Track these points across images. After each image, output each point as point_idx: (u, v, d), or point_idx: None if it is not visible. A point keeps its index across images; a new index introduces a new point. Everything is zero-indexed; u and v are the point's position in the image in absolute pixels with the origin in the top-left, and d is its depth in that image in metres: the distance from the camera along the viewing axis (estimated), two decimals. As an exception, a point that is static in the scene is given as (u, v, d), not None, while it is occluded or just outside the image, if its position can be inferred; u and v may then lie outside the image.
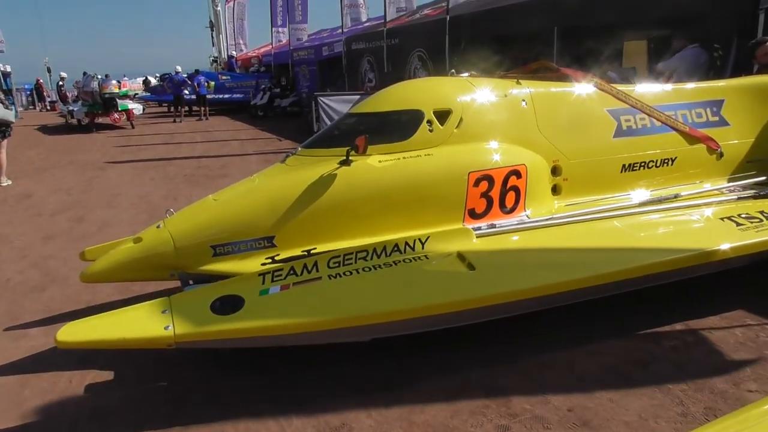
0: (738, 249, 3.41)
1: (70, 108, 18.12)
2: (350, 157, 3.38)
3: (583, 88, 4.22)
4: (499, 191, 3.66)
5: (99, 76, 17.41)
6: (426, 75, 12.40)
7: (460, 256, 3.20)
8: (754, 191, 4.13)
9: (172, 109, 20.74)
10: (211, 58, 33.63)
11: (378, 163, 3.45)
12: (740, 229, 3.56)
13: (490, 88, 3.94)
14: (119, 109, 17.52)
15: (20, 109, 25.69)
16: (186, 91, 20.11)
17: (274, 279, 3.01)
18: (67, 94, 25.48)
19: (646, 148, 4.23)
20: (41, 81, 29.72)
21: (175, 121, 19.32)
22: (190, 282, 3.33)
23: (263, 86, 21.01)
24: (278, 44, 23.48)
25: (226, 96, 22.22)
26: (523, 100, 3.96)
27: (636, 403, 2.75)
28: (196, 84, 19.62)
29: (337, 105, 11.44)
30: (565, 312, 3.30)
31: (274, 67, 23.70)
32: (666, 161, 4.30)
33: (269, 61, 24.42)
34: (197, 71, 20.51)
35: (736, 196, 4.03)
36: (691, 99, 4.49)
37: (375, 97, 3.91)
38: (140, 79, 34.46)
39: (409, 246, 3.23)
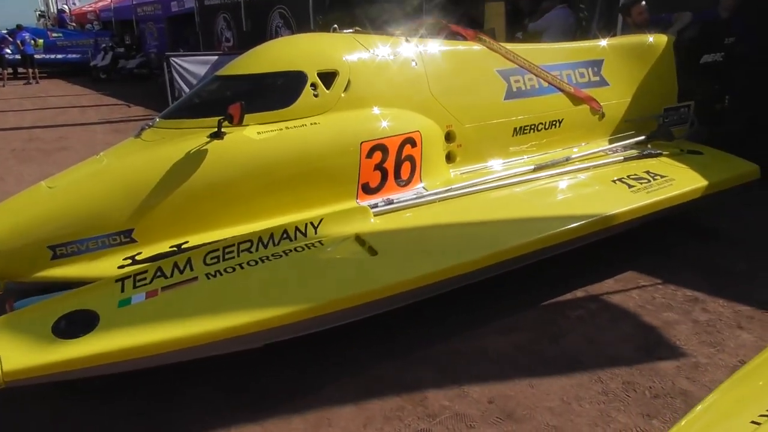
0: (633, 211, 3.38)
1: None
2: (223, 129, 2.82)
3: (473, 47, 3.95)
4: (394, 162, 3.30)
5: None
6: (290, 34, 11.65)
7: (359, 239, 2.82)
8: (637, 151, 4.17)
9: (-8, 71, 17.91)
10: (38, 13, 29.63)
11: (257, 135, 2.92)
12: (632, 191, 3.53)
13: (378, 46, 3.52)
14: None
15: None
16: (8, 50, 17.44)
17: (137, 284, 2.43)
18: None
19: (536, 110, 4.08)
20: None
21: (-3, 86, 16.70)
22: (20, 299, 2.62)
23: (104, 45, 18.82)
24: (118, -2, 21.14)
25: (60, 56, 19.63)
26: (414, 60, 3.60)
27: (555, 386, 2.59)
28: (19, 42, 17.04)
29: (192, 67, 10.38)
30: (469, 287, 3.06)
31: (115, 23, 21.34)
32: (554, 123, 4.20)
33: (109, 17, 21.94)
34: (20, 27, 17.81)
35: (622, 157, 4.03)
36: (575, 59, 4.41)
37: (247, 57, 3.33)
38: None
39: (300, 231, 2.79)
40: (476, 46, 3.96)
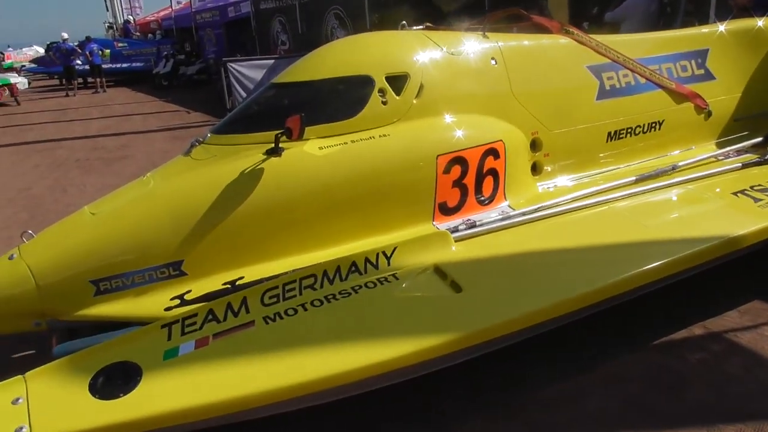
0: (765, 231, 2.81)
1: (-63, 85, 15.68)
2: (281, 145, 2.46)
3: (559, 40, 3.46)
4: (475, 177, 2.87)
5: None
6: (346, 35, 11.35)
7: (439, 271, 2.40)
8: (756, 155, 3.56)
9: (63, 81, 18.51)
10: (107, 24, 30.66)
11: (318, 151, 2.56)
12: (759, 206, 2.96)
13: (453, 43, 3.10)
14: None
15: None
16: (78, 61, 18.00)
17: (186, 330, 2.10)
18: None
19: (633, 111, 3.55)
20: None
21: (67, 95, 17.21)
22: (62, 340, 2.35)
23: (165, 53, 19.13)
24: (178, 6, 21.47)
25: (125, 65, 20.14)
26: (493, 58, 3.15)
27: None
28: (88, 53, 17.52)
29: (249, 71, 10.24)
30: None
31: (176, 31, 21.70)
32: (653, 125, 3.66)
33: (170, 25, 22.34)
34: (89, 38, 18.36)
35: (739, 164, 3.44)
36: (675, 50, 3.84)
37: (305, 61, 2.97)
38: (29, 50, 30.90)
39: (371, 263, 2.39)
40: (563, 40, 3.47)
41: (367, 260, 2.38)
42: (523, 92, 3.18)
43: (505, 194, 3.00)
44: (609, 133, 3.50)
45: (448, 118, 2.89)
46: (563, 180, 3.33)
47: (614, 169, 3.47)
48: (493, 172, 2.94)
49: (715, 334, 2.82)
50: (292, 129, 2.40)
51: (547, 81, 3.32)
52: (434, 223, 2.76)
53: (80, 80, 18.57)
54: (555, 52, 3.40)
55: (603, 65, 3.51)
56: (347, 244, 2.56)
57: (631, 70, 3.60)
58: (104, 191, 3.13)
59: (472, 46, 3.14)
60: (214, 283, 2.36)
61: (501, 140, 2.96)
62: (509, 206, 2.98)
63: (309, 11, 12.97)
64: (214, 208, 2.42)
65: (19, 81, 16.33)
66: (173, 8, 21.68)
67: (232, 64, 10.46)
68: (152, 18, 25.49)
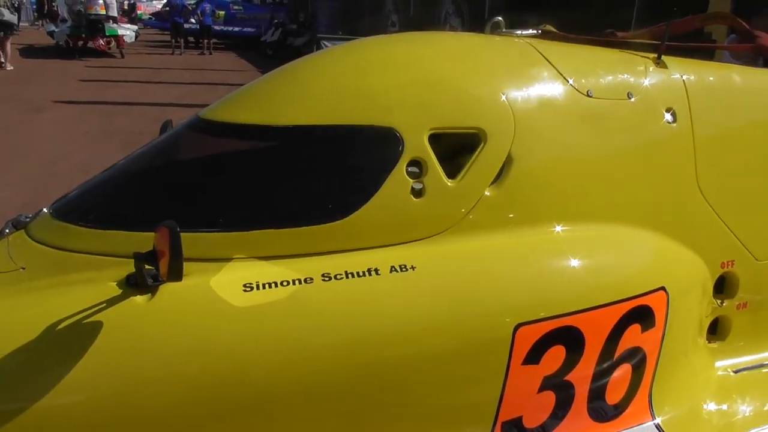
0: None
1: (52, 29, 15.85)
2: (146, 280, 1.08)
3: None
4: (594, 368, 1.33)
5: (87, -7, 15.01)
6: (460, 28, 9.77)
7: None
8: None
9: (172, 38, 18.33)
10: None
11: (241, 294, 1.13)
12: None
13: (590, 70, 1.54)
14: (106, 34, 15.15)
15: (25, 24, 23.28)
16: (192, 20, 17.68)
17: None
18: (59, 11, 22.97)
19: None
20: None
21: (173, 53, 16.88)
22: None
23: (276, 20, 18.38)
24: (300, -28, 20.68)
25: (237, 29, 19.65)
26: (669, 109, 1.56)
27: None
28: (200, 12, 17.12)
29: (345, 51, 8.99)
30: None
31: (293, -1, 20.99)
32: None
33: (292, -9, 21.68)
34: (203, -3, 17.96)
35: None
36: None
37: (275, 80, 1.49)
38: (158, 2, 31.56)
39: None
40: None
41: None
42: (719, 182, 1.58)
43: (650, 398, 1.45)
44: None
45: (555, 232, 1.36)
46: (764, 355, 1.71)
47: None
48: (634, 356, 1.39)
49: None
50: (158, 253, 1.00)
51: (766, 162, 1.69)
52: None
53: (191, 39, 18.26)
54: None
55: None
56: None
57: None
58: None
59: (632, 80, 1.57)
60: None
61: (662, 288, 1.39)
62: (657, 428, 1.43)
63: (424, -9, 11.57)
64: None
65: (127, 33, 16.11)
66: (295, -27, 20.96)
67: (326, 42, 9.30)
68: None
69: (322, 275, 1.16)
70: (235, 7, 20.31)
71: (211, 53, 17.36)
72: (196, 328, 1.09)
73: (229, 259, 1.17)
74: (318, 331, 1.13)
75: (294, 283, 1.14)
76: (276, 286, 1.14)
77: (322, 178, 1.26)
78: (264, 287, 1.13)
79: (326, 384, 1.12)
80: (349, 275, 1.17)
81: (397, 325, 1.16)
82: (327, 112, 1.27)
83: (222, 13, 19.00)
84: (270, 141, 1.28)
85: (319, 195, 1.24)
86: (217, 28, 18.25)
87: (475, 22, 8.92)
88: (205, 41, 17.49)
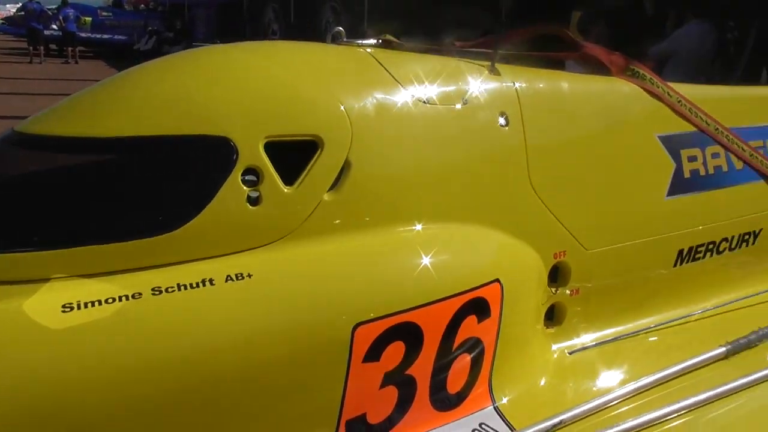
0: None
1: None
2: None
3: (621, 88, 1.99)
4: (434, 361, 1.40)
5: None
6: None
7: None
8: None
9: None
10: (100, -10, 29.03)
11: (60, 315, 1.07)
12: None
13: (425, 77, 1.62)
14: (-49, 42, 13.78)
15: None
16: (54, 26, 16.49)
17: None
18: None
19: (720, 215, 2.12)
20: None
21: (31, 62, 15.62)
22: None
23: (151, 28, 17.63)
24: (174, -21, 19.97)
25: (106, 36, 18.63)
26: (503, 113, 1.67)
27: None
28: (62, 18, 16.00)
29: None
30: None
31: (169, 6, 20.19)
32: (745, 238, 2.23)
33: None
34: (65, 2, 16.79)
35: None
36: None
37: (97, 91, 1.42)
38: (12, 6, 29.05)
39: None
40: (625, 87, 1.99)
41: None
42: (549, 180, 1.72)
43: (491, 384, 1.54)
44: (680, 253, 2.04)
45: (396, 233, 1.42)
46: (599, 337, 1.89)
47: (686, 321, 2.03)
48: (473, 346, 1.47)
49: None
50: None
51: (593, 161, 1.86)
52: (333, 464, 1.29)
53: (53, 47, 17.03)
54: (613, 110, 1.93)
55: (684, 136, 2.05)
56: None
57: (725, 147, 2.16)
58: None
59: (465, 85, 1.67)
60: None
61: (497, 280, 1.49)
62: (496, 410, 1.52)
63: (304, 1, 11.58)
64: None
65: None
66: (168, -20, 20.22)
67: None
68: (148, -11, 23.93)
69: (152, 289, 1.13)
70: (104, 14, 19.28)
71: (77, 62, 16.29)
72: (5, 358, 1.02)
73: (47, 280, 1.10)
74: (147, 347, 1.10)
75: (120, 300, 1.10)
76: (100, 304, 1.09)
77: (149, 190, 1.22)
78: (86, 306, 1.08)
79: (157, 401, 1.09)
80: (182, 287, 1.15)
81: (232, 333, 1.15)
82: (153, 123, 1.24)
83: (89, 19, 17.94)
84: (90, 153, 1.23)
85: (147, 207, 1.20)
86: (83, 35, 17.20)
87: (354, 31, 9.09)
88: (69, 49, 16.36)
